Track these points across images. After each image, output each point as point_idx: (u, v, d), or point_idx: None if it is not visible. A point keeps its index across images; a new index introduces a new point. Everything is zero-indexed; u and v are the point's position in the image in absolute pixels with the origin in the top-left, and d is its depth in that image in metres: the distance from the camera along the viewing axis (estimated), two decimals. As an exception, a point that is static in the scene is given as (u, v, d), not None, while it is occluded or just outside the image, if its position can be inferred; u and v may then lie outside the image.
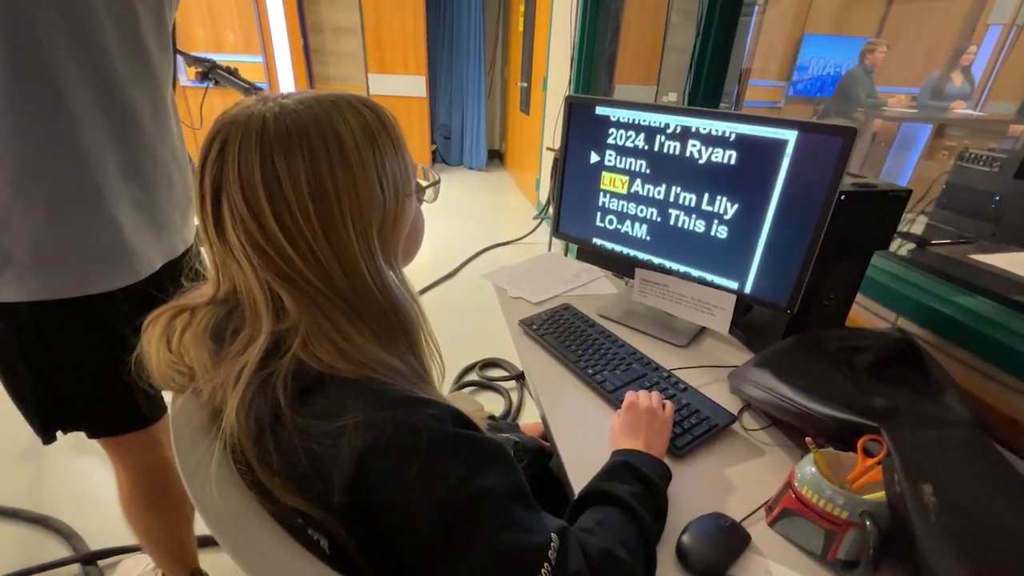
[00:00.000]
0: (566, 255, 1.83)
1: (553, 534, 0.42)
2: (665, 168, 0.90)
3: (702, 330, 0.98)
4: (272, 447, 0.41)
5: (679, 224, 0.91)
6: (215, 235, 0.42)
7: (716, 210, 0.86)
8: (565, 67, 3.12)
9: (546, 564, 0.40)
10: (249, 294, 0.42)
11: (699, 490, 0.63)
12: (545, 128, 3.67)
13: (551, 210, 2.97)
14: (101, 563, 1.20)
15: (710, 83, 1.70)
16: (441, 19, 4.63)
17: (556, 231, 1.08)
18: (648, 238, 0.96)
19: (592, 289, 1.13)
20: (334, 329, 0.43)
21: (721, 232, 0.86)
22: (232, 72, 1.31)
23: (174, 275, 0.89)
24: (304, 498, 0.40)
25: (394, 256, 0.48)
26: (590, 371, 0.83)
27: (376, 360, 0.44)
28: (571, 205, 1.04)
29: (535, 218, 3.72)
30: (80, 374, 0.81)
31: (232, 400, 0.40)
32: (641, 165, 0.92)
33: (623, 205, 0.97)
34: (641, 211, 0.95)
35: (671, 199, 0.91)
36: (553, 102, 3.47)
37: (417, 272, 2.79)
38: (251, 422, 0.41)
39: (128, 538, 1.23)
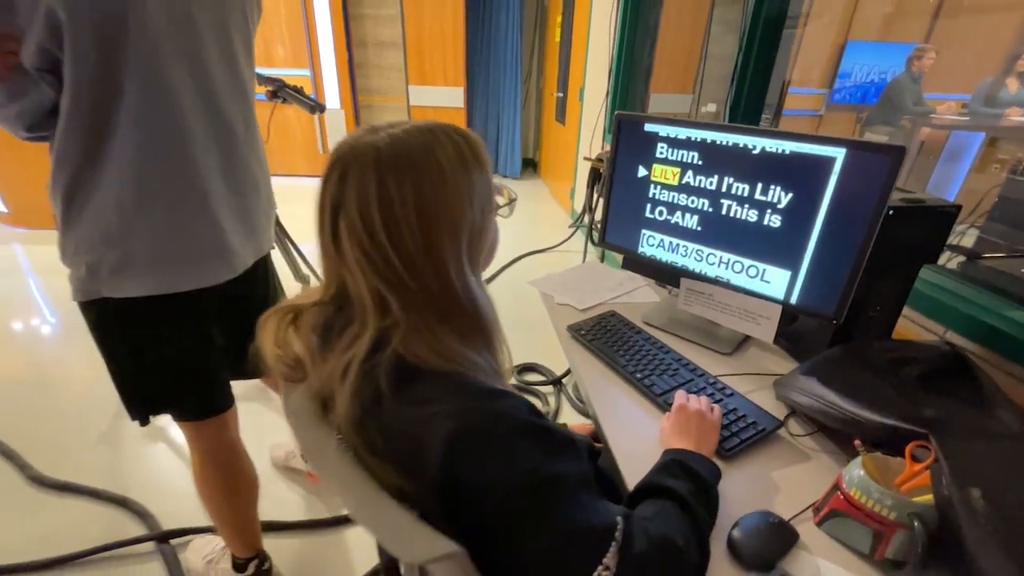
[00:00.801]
0: (602, 261, 1.87)
1: (618, 517, 0.46)
2: (717, 161, 0.92)
3: (746, 339, 1.01)
4: (374, 429, 0.47)
5: (731, 213, 0.93)
6: (331, 246, 0.49)
7: (769, 199, 0.87)
8: (602, 78, 3.17)
9: (613, 544, 0.44)
10: (358, 297, 0.48)
11: (747, 490, 0.67)
12: (581, 138, 3.72)
13: (587, 219, 3.01)
14: (173, 541, 1.30)
15: (752, 95, 1.72)
16: (479, 32, 4.75)
17: (603, 241, 1.13)
18: (699, 228, 0.98)
19: (635, 297, 1.17)
20: (427, 327, 0.49)
21: (774, 221, 0.87)
22: (298, 90, 1.41)
23: (255, 275, 0.98)
24: (401, 475, 0.46)
25: (477, 264, 0.53)
26: (638, 375, 0.87)
27: (460, 355, 0.50)
28: (618, 216, 1.09)
29: (570, 226, 3.77)
30: (175, 363, 0.91)
31: (342, 388, 0.46)
32: (693, 157, 0.94)
33: (674, 196, 1.00)
34: (692, 202, 0.97)
35: (723, 189, 0.92)
36: (590, 112, 3.52)
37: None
38: (357, 407, 0.47)
39: (196, 520, 1.33)
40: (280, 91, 1.37)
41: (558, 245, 3.46)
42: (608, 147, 3.02)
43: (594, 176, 2.96)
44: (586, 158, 2.98)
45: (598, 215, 2.97)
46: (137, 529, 1.34)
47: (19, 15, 0.66)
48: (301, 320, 0.53)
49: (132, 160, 0.75)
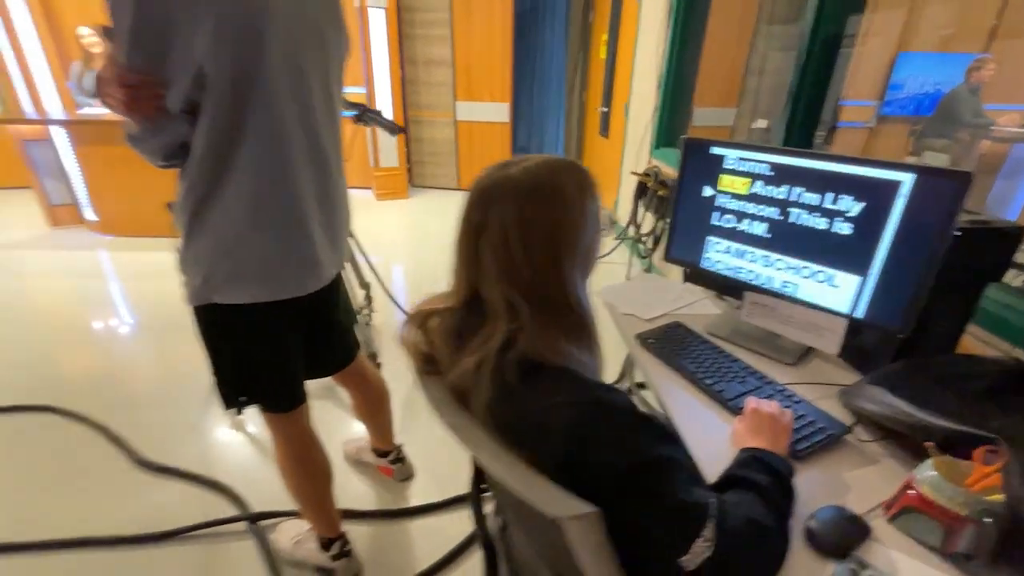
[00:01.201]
0: (647, 271, 1.92)
1: (712, 499, 0.54)
2: (787, 174, 0.96)
3: (808, 350, 1.06)
4: (505, 415, 0.56)
5: (800, 221, 0.96)
6: (470, 261, 0.59)
7: (839, 208, 0.90)
8: (648, 93, 3.24)
9: (711, 520, 0.52)
10: (492, 303, 0.58)
11: (818, 488, 0.72)
12: (626, 152, 3.78)
13: (632, 232, 3.06)
14: (263, 523, 1.43)
15: (807, 113, 1.76)
16: (525, 50, 4.90)
17: (668, 256, 1.20)
18: (766, 235, 1.02)
19: (697, 309, 1.23)
20: (548, 330, 0.58)
21: (844, 228, 0.90)
22: (379, 114, 1.55)
23: (331, 284, 1.10)
24: (528, 452, 0.55)
25: (586, 276, 0.62)
26: (708, 381, 0.93)
27: (571, 354, 0.59)
28: (683, 233, 1.16)
29: (615, 239, 3.82)
30: (266, 362, 1.05)
31: (479, 381, 0.56)
32: (764, 168, 0.99)
33: (742, 205, 1.04)
34: (761, 210, 1.01)
35: (792, 198, 0.96)
36: (634, 127, 3.59)
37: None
38: (491, 397, 0.56)
39: (279, 505, 1.46)
40: (363, 115, 1.51)
41: (602, 257, 3.52)
42: (655, 162, 3.08)
43: (640, 190, 3.03)
44: (634, 173, 3.05)
45: (644, 228, 3.03)
46: (229, 510, 1.47)
47: (169, 67, 0.78)
48: (432, 322, 0.63)
49: (248, 189, 0.88)
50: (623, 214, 3.83)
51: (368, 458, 1.62)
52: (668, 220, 1.28)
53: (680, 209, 1.15)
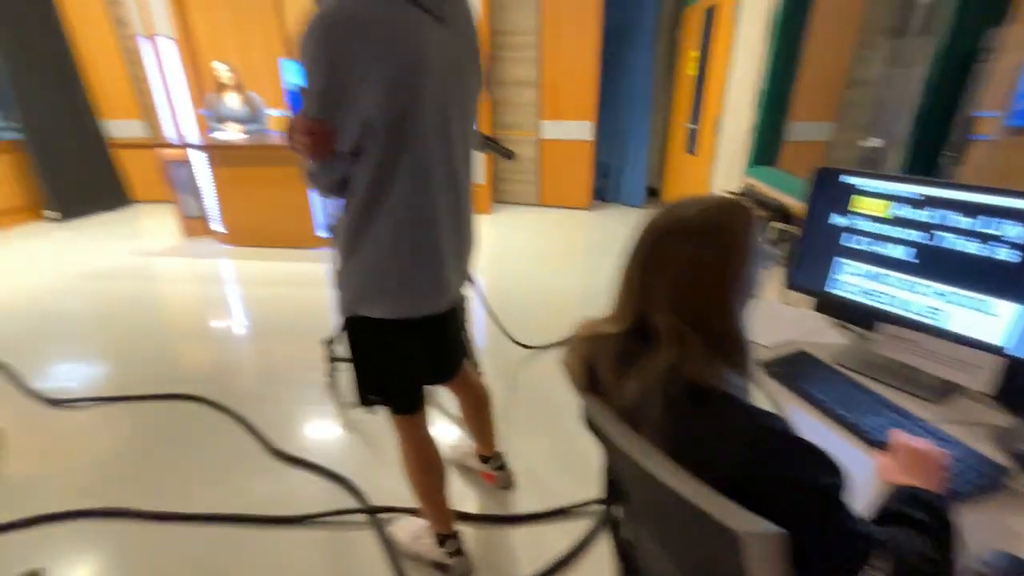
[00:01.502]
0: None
1: (880, 529, 0.55)
2: (933, 198, 0.92)
3: (952, 385, 1.01)
4: (672, 436, 0.60)
5: (949, 245, 0.92)
6: (640, 291, 0.65)
7: (996, 232, 0.85)
8: (742, 111, 3.17)
9: (881, 549, 0.53)
10: (660, 332, 0.63)
11: (981, 533, 0.70)
12: (716, 169, 3.71)
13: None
14: (381, 516, 1.55)
15: (935, 132, 1.66)
16: (611, 67, 4.93)
17: (791, 284, 1.19)
18: (909, 259, 0.98)
19: (821, 337, 1.21)
20: (714, 357, 0.62)
21: (1003, 254, 0.85)
22: (496, 141, 1.66)
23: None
24: (693, 473, 0.59)
25: (747, 306, 0.66)
26: (840, 412, 0.92)
27: (731, 379, 0.62)
28: (809, 261, 1.15)
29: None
30: (399, 369, 1.17)
31: (649, 404, 0.61)
32: (907, 193, 0.96)
33: (879, 227, 1.01)
34: (901, 233, 0.97)
35: (940, 222, 0.92)
36: (727, 144, 3.51)
37: (589, 308, 3.01)
38: (660, 418, 0.61)
39: (396, 501, 1.57)
40: (484, 143, 1.62)
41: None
42: (750, 180, 3.00)
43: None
44: (729, 192, 2.98)
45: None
46: (348, 501, 1.61)
47: (344, 119, 0.91)
48: (597, 347, 0.69)
49: (395, 220, 1.00)
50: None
51: (472, 463, 1.71)
52: (770, 241, 1.27)
53: (807, 236, 1.14)
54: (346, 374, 2.24)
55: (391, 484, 1.64)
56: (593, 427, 0.73)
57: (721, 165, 3.65)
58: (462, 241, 1.14)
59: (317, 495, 1.65)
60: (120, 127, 5.11)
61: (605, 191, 5.55)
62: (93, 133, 4.98)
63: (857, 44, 3.64)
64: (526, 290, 3.32)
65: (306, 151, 0.94)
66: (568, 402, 2.12)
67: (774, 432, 0.57)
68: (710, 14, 3.88)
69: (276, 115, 4.81)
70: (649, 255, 0.64)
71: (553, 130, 4.96)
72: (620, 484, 0.84)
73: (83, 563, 1.44)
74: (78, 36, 4.72)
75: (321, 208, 3.93)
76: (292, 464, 1.78)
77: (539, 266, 3.64)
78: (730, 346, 0.64)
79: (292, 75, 4.89)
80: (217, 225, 4.13)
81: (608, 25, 4.60)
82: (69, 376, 2.35)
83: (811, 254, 1.15)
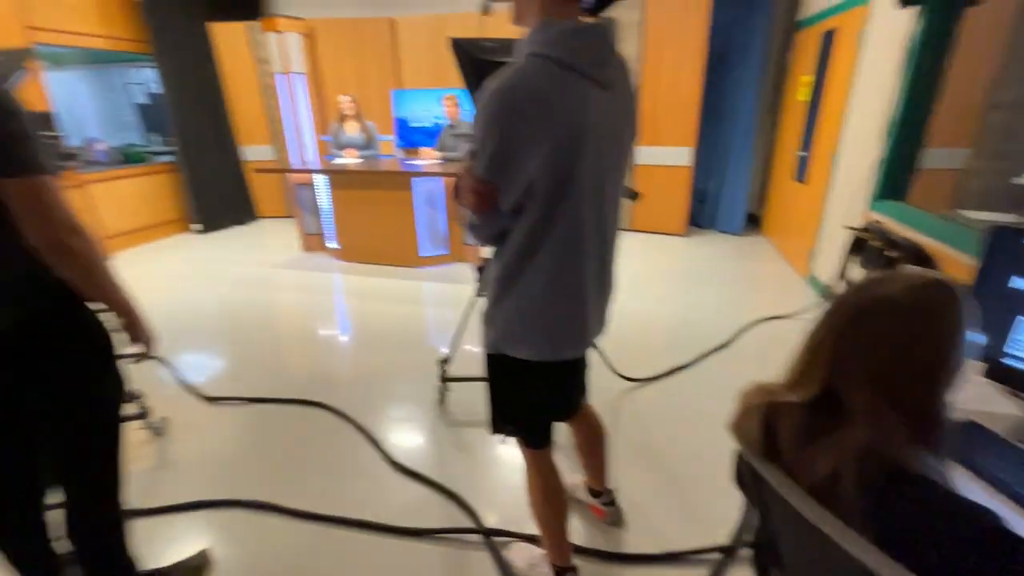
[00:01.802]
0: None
1: None
2: None
3: None
4: (869, 519, 0.60)
5: None
6: (833, 363, 0.65)
7: None
8: (867, 140, 2.97)
9: None
10: (854, 406, 0.63)
11: None
12: (831, 201, 3.50)
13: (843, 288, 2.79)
14: (496, 539, 1.61)
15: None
16: (713, 91, 4.82)
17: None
18: None
19: (993, 406, 1.11)
20: (910, 437, 0.61)
21: None
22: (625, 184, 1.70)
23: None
24: (895, 557, 0.58)
25: (951, 388, 0.64)
26: (1030, 497, 0.85)
27: (930, 462, 0.61)
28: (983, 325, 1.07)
29: (822, 296, 3.50)
30: (534, 406, 1.23)
31: (843, 483, 0.61)
32: None
33: None
34: None
35: None
36: (847, 175, 3.31)
37: (690, 339, 2.93)
38: (852, 499, 0.61)
39: (506, 525, 1.63)
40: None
41: (794, 314, 3.25)
42: (876, 216, 2.80)
43: (856, 245, 2.77)
44: (850, 228, 2.81)
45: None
46: (463, 520, 1.69)
47: (509, 180, 0.97)
48: (778, 415, 0.70)
49: (546, 269, 1.05)
50: (822, 268, 3.52)
51: (582, 496, 1.73)
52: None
53: (979, 299, 1.06)
54: (455, 394, 2.36)
55: (502, 507, 1.70)
56: (755, 489, 0.73)
57: (837, 197, 3.44)
58: (604, 290, 1.19)
59: (432, 511, 1.75)
60: (253, 151, 5.77)
61: (701, 217, 5.39)
62: (232, 157, 5.67)
63: (1000, 64, 3.31)
64: (622, 319, 3.28)
65: (471, 206, 1.03)
66: (673, 440, 2.09)
67: (997, 531, 0.55)
68: (828, 38, 3.70)
69: (386, 140, 5.21)
70: (846, 331, 0.64)
71: (650, 156, 4.92)
72: (776, 549, 0.83)
73: (233, 548, 1.63)
74: (226, 73, 5.42)
75: (426, 231, 4.17)
76: (409, 477, 1.89)
77: (635, 294, 3.61)
78: (930, 428, 0.63)
79: (402, 106, 5.27)
80: (332, 242, 4.51)
81: (712, 50, 4.53)
82: (213, 374, 2.67)
83: (984, 317, 1.06)
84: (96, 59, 5.63)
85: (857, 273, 2.76)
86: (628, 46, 4.66)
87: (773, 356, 2.78)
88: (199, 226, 5.43)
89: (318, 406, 2.35)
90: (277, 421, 2.28)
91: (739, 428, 0.75)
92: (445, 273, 4.15)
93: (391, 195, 4.04)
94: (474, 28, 5.04)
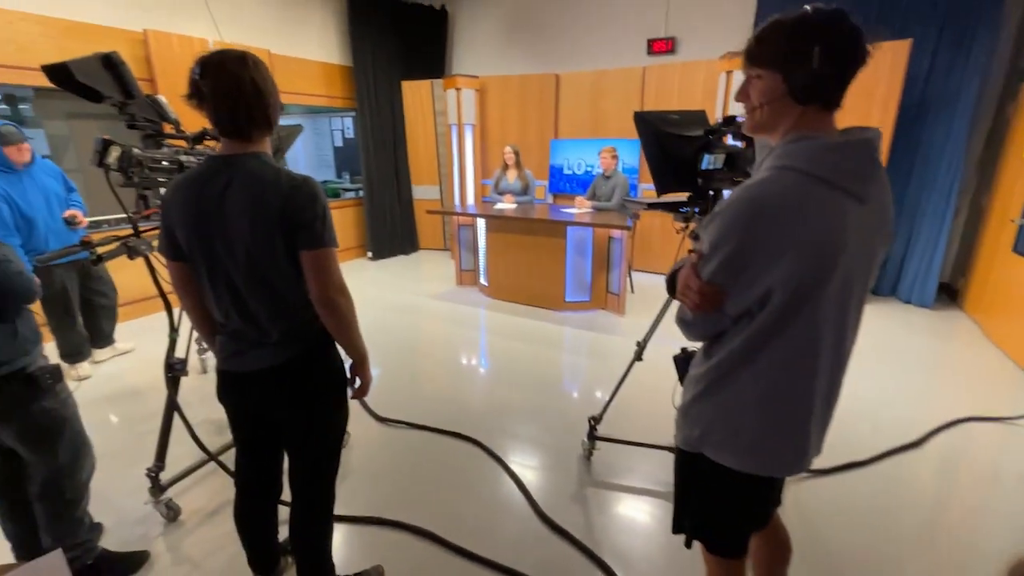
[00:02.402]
0: None
1: None
2: None
3: None
4: None
5: None
6: None
7: None
8: None
9: None
10: None
11: None
12: (1072, 285, 2.87)
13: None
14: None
15: None
16: (906, 144, 4.30)
17: None
18: None
19: None
20: None
21: None
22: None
23: None
24: None
25: None
26: None
27: None
28: None
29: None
30: (734, 518, 1.15)
31: None
32: None
33: None
34: None
35: None
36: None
37: (869, 430, 2.58)
38: None
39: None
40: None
41: (1018, 418, 2.68)
42: None
43: None
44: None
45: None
46: (610, 592, 1.68)
47: (740, 286, 0.93)
48: None
49: (767, 379, 0.98)
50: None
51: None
52: None
53: None
54: (601, 453, 2.37)
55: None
56: None
57: (1082, 280, 2.81)
58: (829, 409, 1.08)
59: (576, 571, 1.77)
60: (420, 191, 6.50)
61: (880, 283, 4.76)
62: (406, 195, 6.45)
63: None
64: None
65: (690, 304, 1.00)
66: (848, 548, 1.82)
67: None
68: (1075, 91, 3.10)
69: (540, 185, 5.52)
70: None
71: (819, 213, 4.50)
72: None
73: (398, 569, 1.81)
74: (409, 122, 6.24)
75: (572, 277, 4.30)
76: (556, 533, 1.94)
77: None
78: None
79: (558, 154, 5.55)
80: (483, 279, 4.85)
81: (908, 100, 4.06)
82: (374, 392, 3.02)
83: None
84: (311, 110, 6.86)
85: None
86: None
87: (978, 468, 2.35)
88: (370, 253, 6.23)
89: (473, 443, 2.52)
90: (435, 449, 2.50)
91: None
92: (586, 319, 4.21)
93: (544, 241, 4.24)
94: (635, 83, 5.16)
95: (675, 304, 1.11)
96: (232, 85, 1.13)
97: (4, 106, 4.56)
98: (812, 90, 0.88)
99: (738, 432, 1.03)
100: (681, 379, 1.29)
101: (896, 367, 3.30)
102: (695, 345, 1.17)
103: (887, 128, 4.05)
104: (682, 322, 1.06)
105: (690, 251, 1.14)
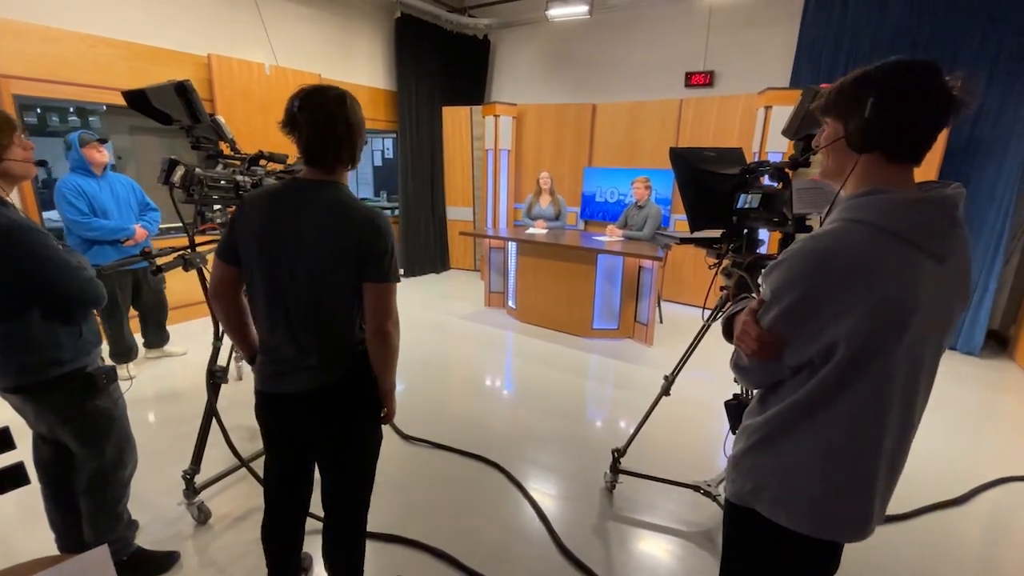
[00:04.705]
0: None
1: None
2: None
3: None
4: None
5: None
6: None
7: None
8: None
9: None
10: None
11: None
12: None
13: None
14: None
15: None
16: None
17: None
18: None
19: None
20: None
21: None
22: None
23: None
24: None
25: None
26: None
27: None
28: None
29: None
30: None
31: None
32: None
33: None
34: None
35: None
36: None
37: (908, 484, 2.46)
38: None
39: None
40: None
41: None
42: None
43: None
44: None
45: None
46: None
47: (801, 337, 0.87)
48: None
49: (829, 435, 0.91)
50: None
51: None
52: None
53: None
54: (624, 487, 2.34)
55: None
56: None
57: None
58: (895, 471, 1.00)
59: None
60: (454, 212, 6.64)
61: (920, 326, 4.57)
62: (439, 215, 6.61)
63: None
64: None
65: (747, 351, 0.95)
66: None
67: None
68: None
69: (571, 211, 5.56)
70: None
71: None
72: None
73: (420, 590, 1.82)
74: (447, 146, 6.42)
75: (601, 304, 4.29)
76: (576, 567, 1.91)
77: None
78: None
79: (591, 182, 5.61)
80: (511, 301, 4.90)
81: (955, 140, 3.96)
82: (402, 412, 3.05)
83: None
84: (356, 132, 7.14)
85: None
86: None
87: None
88: (401, 271, 6.37)
89: (495, 467, 2.52)
90: (457, 470, 2.51)
91: None
92: (612, 347, 4.18)
93: (574, 267, 4.27)
94: (671, 115, 5.21)
95: (710, 339, 1.10)
96: (327, 122, 1.21)
97: (76, 119, 4.93)
98: (867, 138, 0.87)
99: (795, 490, 0.96)
100: (733, 427, 1.23)
101: (940, 417, 3.13)
102: (745, 389, 1.12)
103: (932, 168, 3.95)
104: (738, 368, 1.02)
105: (721, 288, 1.13)
